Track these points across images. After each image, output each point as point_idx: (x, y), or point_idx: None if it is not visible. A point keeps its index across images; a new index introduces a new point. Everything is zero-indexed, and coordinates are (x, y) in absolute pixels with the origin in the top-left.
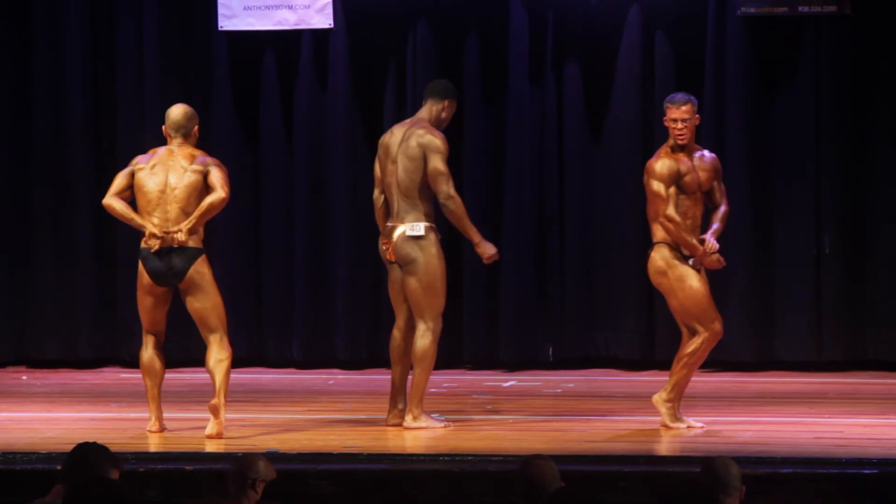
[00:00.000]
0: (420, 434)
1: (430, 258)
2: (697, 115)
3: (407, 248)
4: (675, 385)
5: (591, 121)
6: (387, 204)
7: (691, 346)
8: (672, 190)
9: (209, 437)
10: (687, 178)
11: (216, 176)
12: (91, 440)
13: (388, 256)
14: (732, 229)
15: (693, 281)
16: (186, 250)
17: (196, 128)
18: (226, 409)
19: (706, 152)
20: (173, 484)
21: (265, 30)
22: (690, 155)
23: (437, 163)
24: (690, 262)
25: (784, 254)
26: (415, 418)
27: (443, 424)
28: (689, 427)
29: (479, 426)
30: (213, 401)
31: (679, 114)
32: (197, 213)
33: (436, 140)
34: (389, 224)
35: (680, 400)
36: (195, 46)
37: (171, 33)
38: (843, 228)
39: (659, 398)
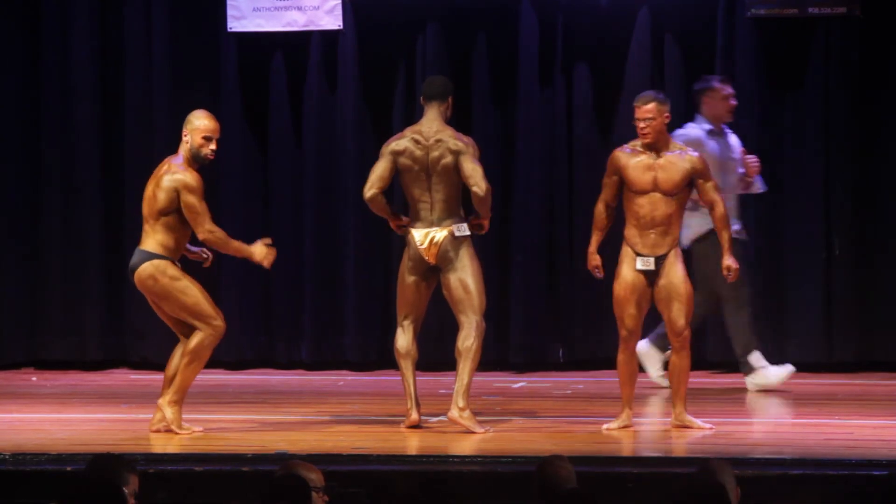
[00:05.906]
0: (429, 435)
1: (474, 257)
2: (667, 114)
3: (453, 248)
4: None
5: (601, 123)
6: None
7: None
8: (612, 179)
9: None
10: (632, 175)
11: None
12: (100, 441)
13: (428, 259)
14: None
15: (622, 277)
16: (142, 252)
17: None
18: (184, 407)
19: (686, 153)
20: (182, 485)
21: (274, 31)
22: (659, 154)
23: (472, 162)
24: (639, 261)
25: (794, 255)
26: (462, 410)
27: (484, 430)
28: (699, 428)
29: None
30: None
31: (640, 113)
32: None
33: (470, 146)
34: (422, 229)
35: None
36: (204, 48)
37: (180, 34)
38: (852, 230)
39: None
